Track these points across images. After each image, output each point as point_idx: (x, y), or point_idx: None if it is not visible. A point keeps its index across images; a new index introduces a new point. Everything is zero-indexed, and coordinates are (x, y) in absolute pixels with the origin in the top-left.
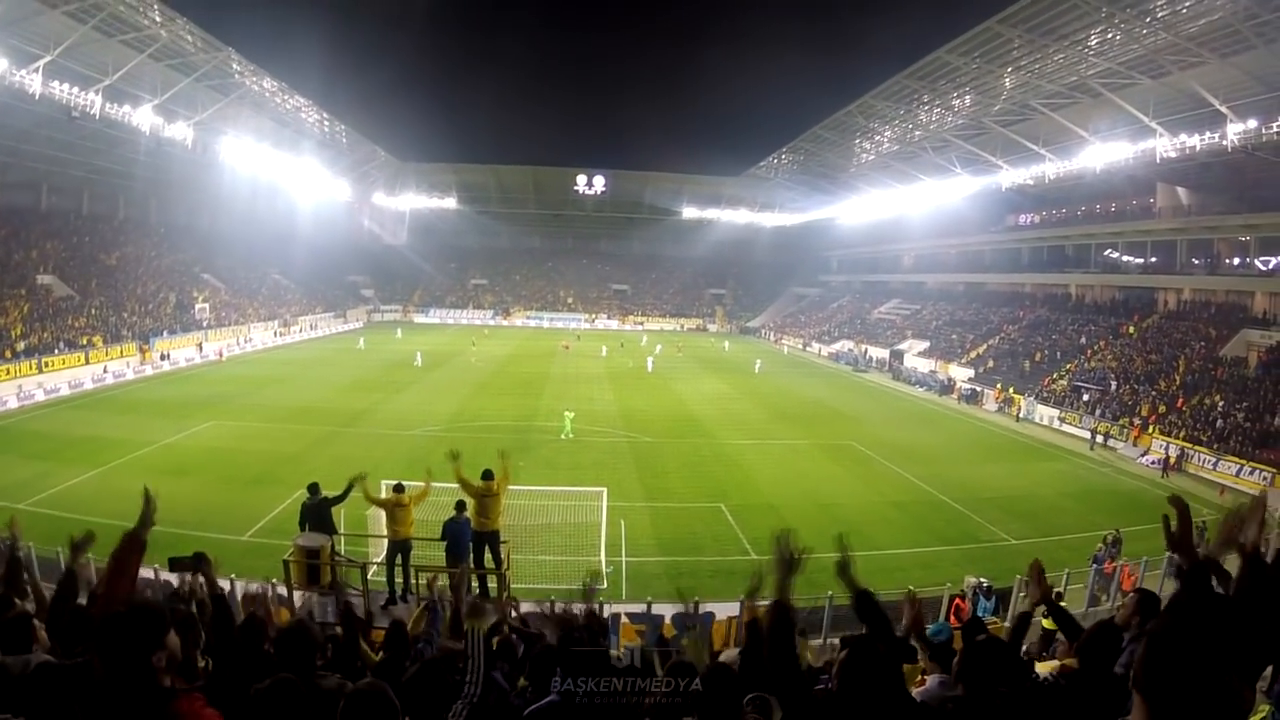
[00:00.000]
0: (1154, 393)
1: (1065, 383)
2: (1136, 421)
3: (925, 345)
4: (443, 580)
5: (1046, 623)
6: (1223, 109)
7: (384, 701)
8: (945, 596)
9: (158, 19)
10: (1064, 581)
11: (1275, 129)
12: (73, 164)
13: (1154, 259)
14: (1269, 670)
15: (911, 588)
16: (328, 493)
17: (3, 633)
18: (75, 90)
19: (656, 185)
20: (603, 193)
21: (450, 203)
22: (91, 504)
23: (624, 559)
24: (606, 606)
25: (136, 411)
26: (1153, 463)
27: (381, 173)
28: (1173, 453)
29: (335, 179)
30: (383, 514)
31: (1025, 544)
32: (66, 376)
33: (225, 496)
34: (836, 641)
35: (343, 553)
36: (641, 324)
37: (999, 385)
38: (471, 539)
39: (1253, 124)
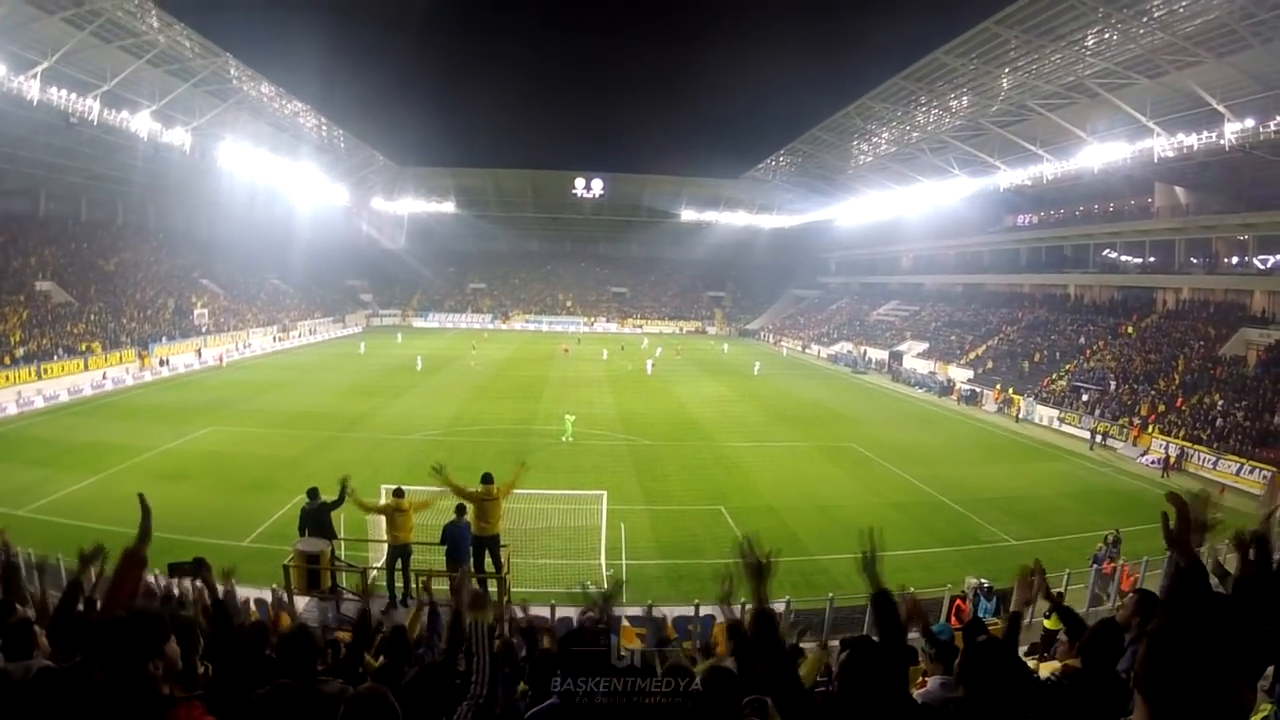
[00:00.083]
0: (1153, 392)
1: (1064, 383)
2: (1136, 421)
3: (924, 346)
4: (438, 583)
5: (1049, 623)
6: (1220, 108)
7: (384, 705)
8: (946, 597)
9: (155, 25)
10: (1065, 582)
11: (1273, 128)
12: (71, 170)
13: (1152, 259)
14: (1270, 670)
15: (911, 589)
16: (326, 497)
17: (4, 639)
18: (73, 96)
19: (655, 188)
20: (601, 196)
21: (448, 207)
22: (91, 510)
23: (624, 562)
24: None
25: (136, 417)
26: (1152, 462)
27: (380, 177)
28: (1172, 452)
29: (333, 184)
30: (382, 519)
31: (1025, 544)
32: (66, 383)
33: (224, 502)
34: (837, 643)
35: (343, 557)
36: (640, 327)
37: (998, 386)
38: (471, 543)
39: (1250, 123)
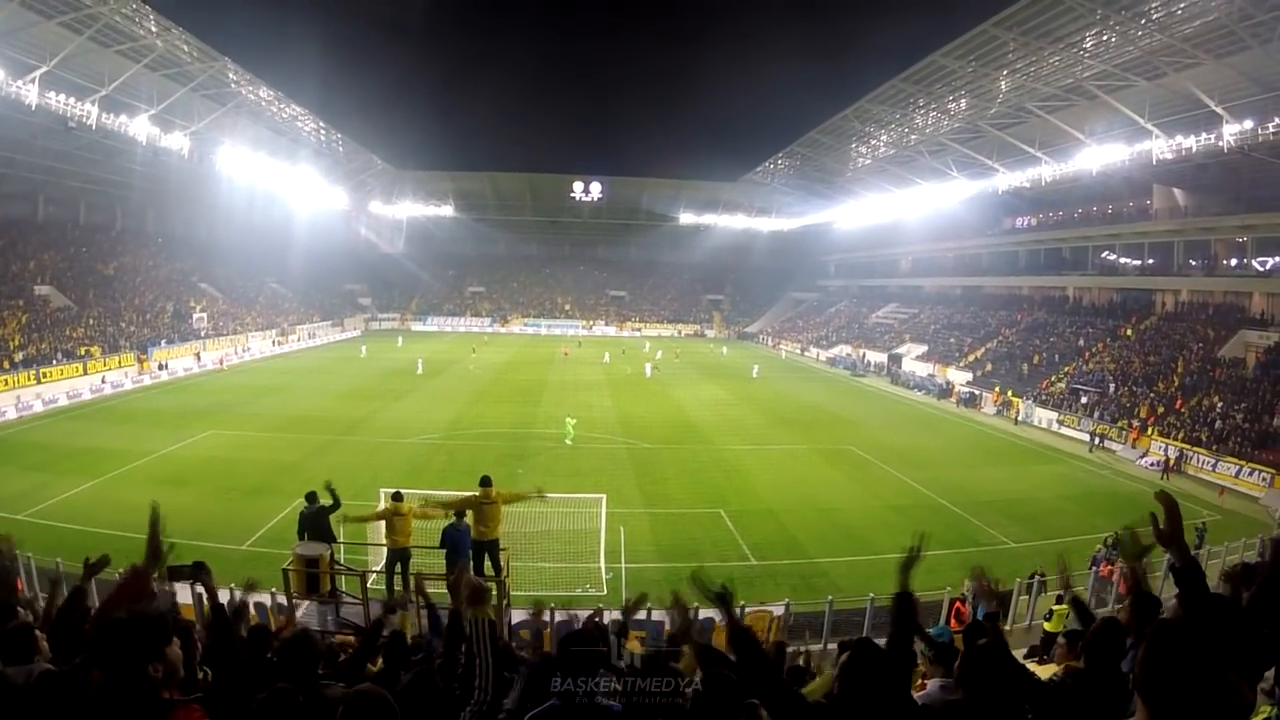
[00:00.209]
0: (1152, 394)
1: (1064, 385)
2: (1135, 423)
3: (923, 349)
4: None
5: (1048, 625)
6: (1218, 110)
7: (384, 705)
8: (945, 600)
9: (154, 29)
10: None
11: (1271, 129)
12: (69, 174)
13: (1151, 260)
14: (1271, 672)
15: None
16: (325, 502)
17: (5, 643)
18: (72, 100)
19: (653, 191)
20: (599, 199)
21: (447, 210)
22: (90, 515)
23: (624, 565)
24: (606, 613)
25: (135, 421)
26: (1152, 464)
27: (378, 181)
28: (1172, 454)
29: (332, 187)
30: (381, 523)
31: (1025, 547)
32: (65, 387)
33: (224, 506)
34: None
35: (342, 561)
36: (639, 330)
37: (997, 388)
38: (471, 547)
39: (1248, 124)
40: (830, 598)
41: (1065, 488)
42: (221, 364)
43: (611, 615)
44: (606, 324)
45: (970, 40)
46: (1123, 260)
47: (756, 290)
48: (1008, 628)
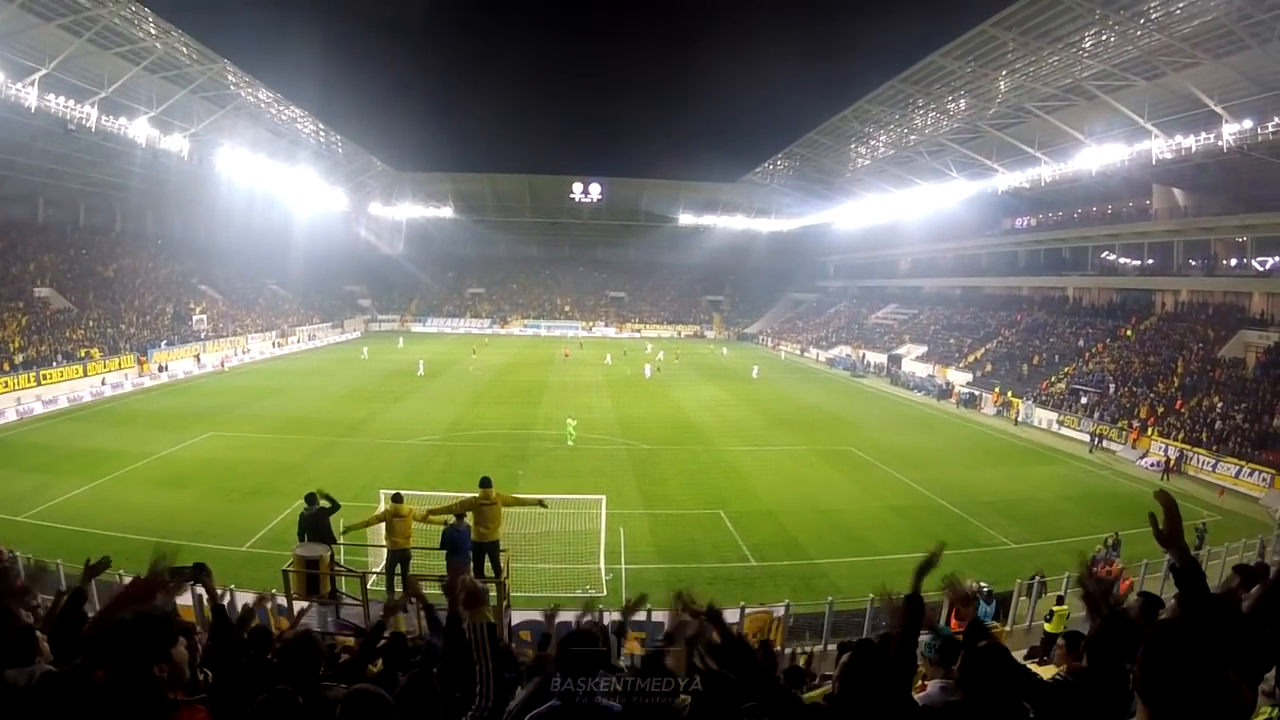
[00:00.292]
0: (1152, 395)
1: (1064, 386)
2: (1135, 424)
3: (923, 350)
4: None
5: (1049, 626)
6: (1218, 109)
7: (381, 704)
8: (945, 601)
9: (153, 31)
10: (1064, 585)
11: (1270, 129)
12: (69, 176)
13: (1151, 261)
14: (1271, 674)
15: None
16: (323, 501)
17: (6, 645)
18: (71, 103)
19: (652, 192)
20: (599, 200)
21: (447, 212)
22: (90, 516)
23: (623, 566)
24: (606, 614)
25: (135, 423)
26: (1152, 465)
27: (378, 182)
28: (1172, 455)
29: (331, 189)
30: (381, 524)
31: (1025, 548)
32: (65, 389)
33: (224, 507)
34: (834, 648)
35: (342, 562)
36: (639, 331)
37: (997, 389)
38: (471, 548)
39: (1248, 124)
40: (830, 599)
41: (1065, 488)
42: (223, 365)
43: (609, 617)
44: (606, 325)
45: (969, 40)
46: (1122, 260)
47: (756, 291)
48: (1007, 629)
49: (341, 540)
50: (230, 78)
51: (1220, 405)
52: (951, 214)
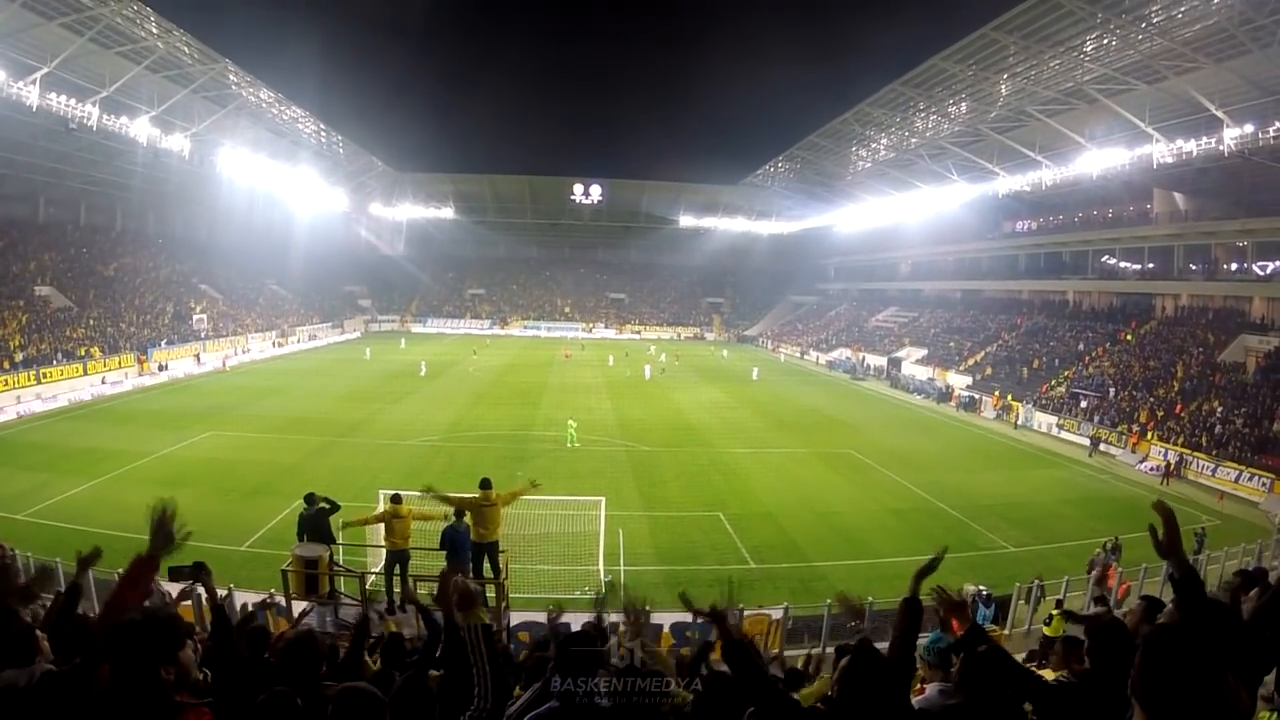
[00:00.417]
0: (1152, 399)
1: (1063, 389)
2: (1135, 428)
3: (923, 353)
4: (424, 589)
5: (1048, 630)
6: (1219, 114)
7: (372, 700)
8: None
9: (155, 30)
10: (1064, 588)
11: (1271, 133)
12: (70, 175)
13: (1151, 265)
14: (1272, 677)
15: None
16: (323, 503)
17: (7, 645)
18: (72, 102)
19: (653, 194)
20: (599, 202)
21: (447, 212)
22: (90, 515)
23: (622, 568)
24: (605, 615)
25: (134, 422)
26: (1151, 469)
27: (378, 183)
28: (1171, 459)
29: (332, 189)
30: (380, 524)
31: (1024, 551)
32: (65, 387)
33: (223, 507)
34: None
35: (341, 562)
36: (639, 333)
37: (997, 392)
38: (470, 549)
39: (1249, 128)
40: (829, 601)
41: (1065, 492)
42: (224, 364)
43: (608, 618)
44: (606, 326)
45: (970, 44)
46: (1123, 264)
47: (756, 293)
48: (1006, 632)
49: (341, 541)
50: (231, 77)
51: (1220, 410)
52: (952, 217)
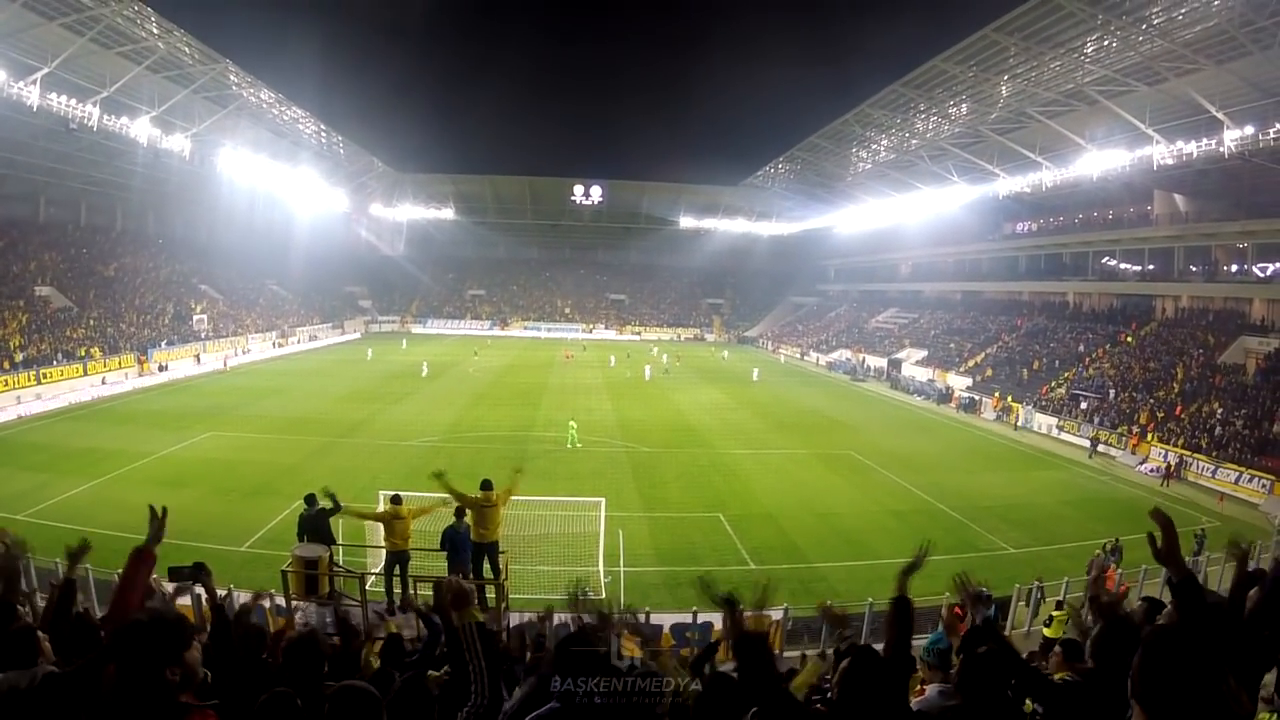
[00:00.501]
0: (1152, 400)
1: (1063, 391)
2: (1135, 429)
3: (923, 354)
4: (424, 590)
5: (1048, 631)
6: (1219, 115)
7: (368, 698)
8: (944, 606)
9: (155, 31)
10: (1063, 590)
11: (1272, 135)
12: (70, 175)
13: (1152, 266)
14: (1272, 678)
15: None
16: (324, 503)
17: (8, 646)
18: (73, 102)
19: (653, 195)
20: (599, 203)
21: (447, 213)
22: (90, 515)
23: (622, 569)
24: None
25: (134, 422)
26: (1151, 470)
27: (379, 183)
28: (1172, 460)
29: (332, 190)
30: (381, 525)
31: (1024, 553)
32: (65, 388)
33: (223, 507)
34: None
35: (341, 563)
36: (639, 334)
37: (997, 393)
38: (470, 550)
39: (1249, 130)
40: (829, 602)
41: (1065, 493)
42: (225, 364)
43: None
44: (606, 327)
45: (971, 45)
46: (1123, 266)
47: (756, 294)
48: (1006, 634)
49: (341, 541)
50: (232, 78)
51: (1220, 411)
52: (952, 218)
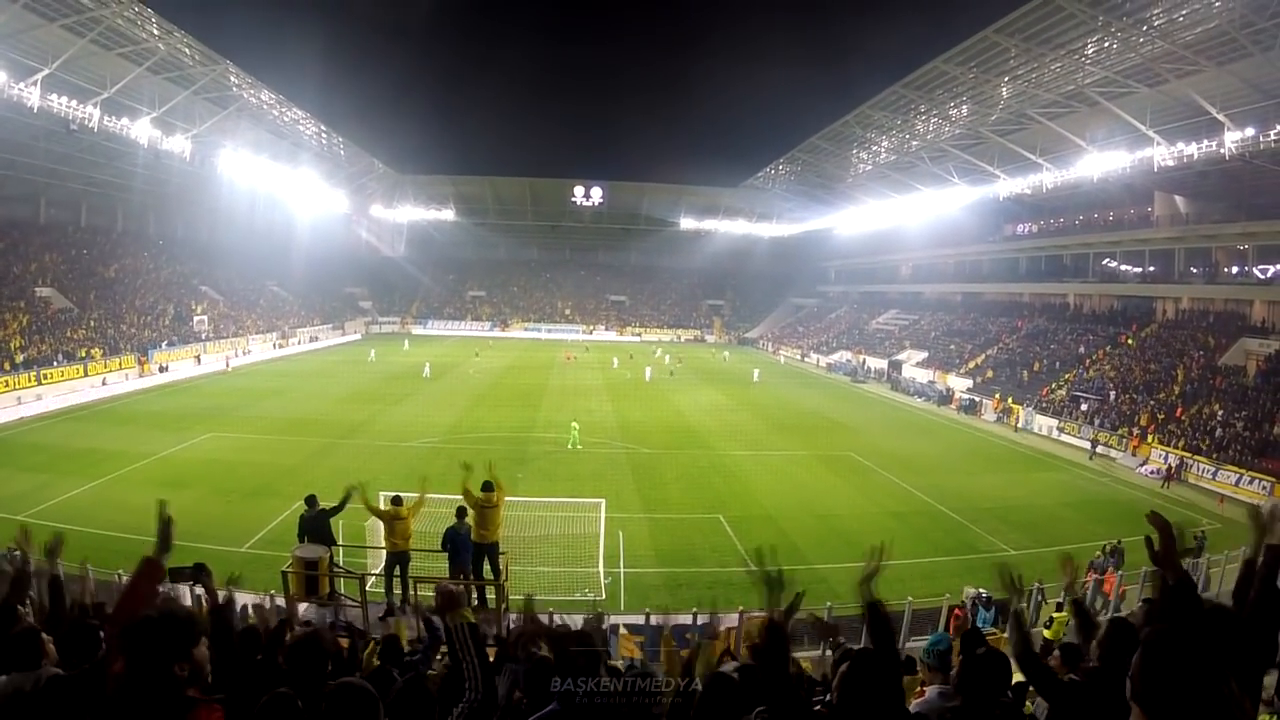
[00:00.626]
0: (1153, 402)
1: (1064, 392)
2: (1135, 431)
3: (923, 355)
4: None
5: (1047, 633)
6: (1220, 117)
7: (365, 696)
8: (944, 607)
9: (156, 32)
10: (1063, 591)
11: (1273, 136)
12: (71, 177)
13: (1152, 268)
14: (1274, 680)
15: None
16: (325, 504)
17: (11, 648)
18: (73, 103)
19: (654, 196)
20: (600, 204)
21: (448, 214)
22: (90, 516)
23: (622, 570)
24: (605, 618)
25: (135, 423)
26: (1152, 472)
27: (379, 184)
28: (1172, 462)
29: (333, 191)
30: (381, 525)
31: (1024, 554)
32: (65, 388)
33: (223, 508)
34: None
35: (341, 564)
36: (639, 335)
37: (997, 395)
38: (471, 550)
39: (1250, 132)
40: (829, 604)
41: (1065, 495)
42: (228, 365)
43: (608, 620)
44: (607, 329)
45: (972, 46)
46: (1124, 267)
47: (757, 296)
48: (1006, 635)
49: (341, 542)
50: (233, 79)
51: (1221, 413)
52: (953, 220)
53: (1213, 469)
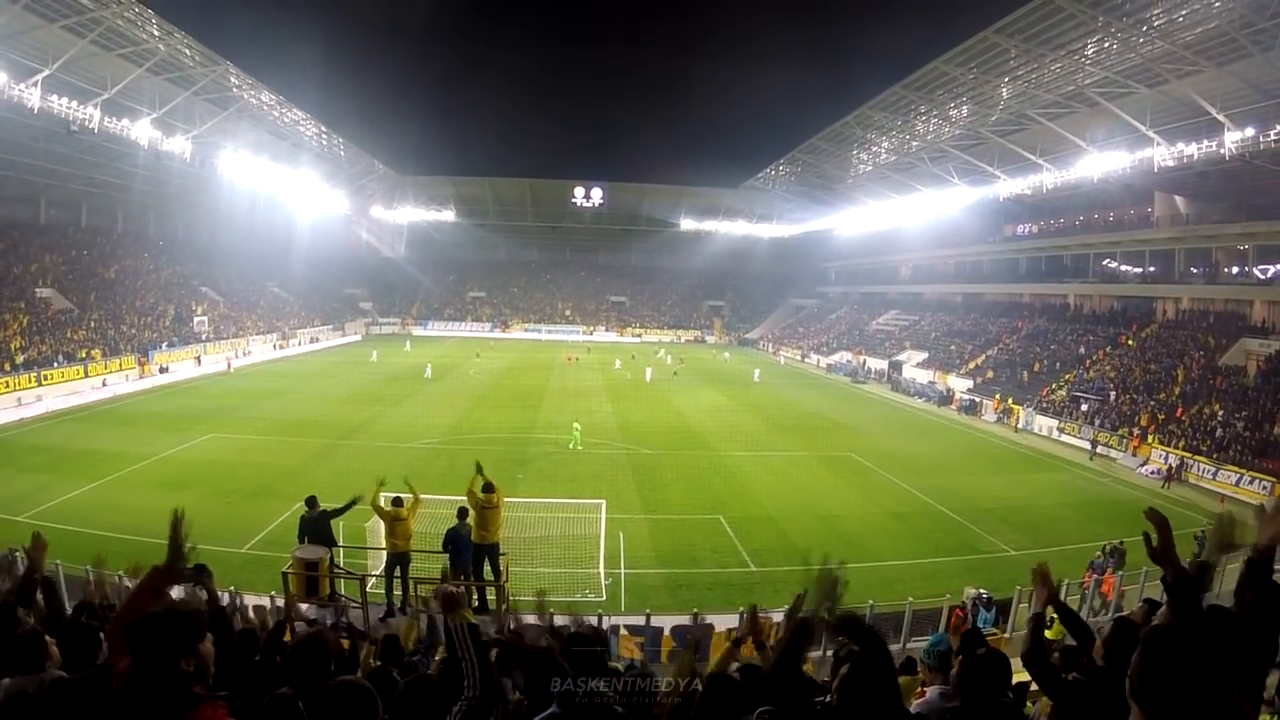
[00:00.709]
0: (1153, 402)
1: (1064, 393)
2: (1136, 431)
3: (924, 356)
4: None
5: (1048, 633)
6: (1220, 117)
7: (364, 694)
8: (945, 608)
9: (156, 33)
10: (1063, 592)
11: (1273, 137)
12: (71, 177)
13: (1152, 268)
14: (1275, 681)
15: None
16: (327, 505)
17: (14, 651)
18: (74, 104)
19: (654, 197)
20: (600, 205)
21: (448, 215)
22: (90, 517)
23: (623, 571)
24: (605, 619)
25: (135, 424)
26: (1152, 472)
27: (379, 185)
28: (1172, 462)
29: (333, 192)
30: (381, 526)
31: (1025, 554)
32: (65, 389)
33: (224, 509)
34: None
35: (341, 565)
36: (640, 336)
37: (997, 395)
38: (471, 551)
39: (1250, 132)
40: (828, 604)
41: (1065, 495)
42: (229, 366)
43: (609, 621)
44: (607, 329)
45: (972, 47)
46: (1124, 268)
47: (757, 296)
48: (1008, 636)
49: (342, 543)
50: (233, 80)
51: (1221, 413)
52: (953, 220)
53: (1213, 469)
